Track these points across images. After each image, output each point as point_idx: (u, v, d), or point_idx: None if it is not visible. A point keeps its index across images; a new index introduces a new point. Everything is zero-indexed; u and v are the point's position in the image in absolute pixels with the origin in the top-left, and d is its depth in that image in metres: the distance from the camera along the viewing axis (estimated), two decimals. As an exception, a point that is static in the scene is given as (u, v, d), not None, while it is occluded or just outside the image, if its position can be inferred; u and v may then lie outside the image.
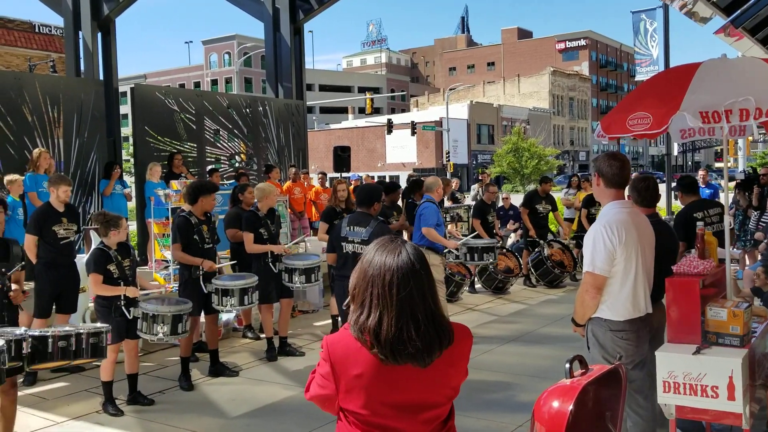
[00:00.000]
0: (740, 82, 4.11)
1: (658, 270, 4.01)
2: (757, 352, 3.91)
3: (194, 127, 12.21)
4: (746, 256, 10.79)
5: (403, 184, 16.87)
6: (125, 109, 21.33)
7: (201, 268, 6.54)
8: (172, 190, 8.53)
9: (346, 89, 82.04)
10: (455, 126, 56.34)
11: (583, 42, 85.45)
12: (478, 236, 9.65)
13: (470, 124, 61.95)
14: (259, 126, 13.63)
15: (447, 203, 12.73)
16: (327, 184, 14.46)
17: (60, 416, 5.74)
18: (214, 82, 77.77)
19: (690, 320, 3.80)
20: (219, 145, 12.77)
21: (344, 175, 16.31)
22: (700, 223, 4.37)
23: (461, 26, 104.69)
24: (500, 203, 13.87)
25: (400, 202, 10.17)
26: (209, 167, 12.14)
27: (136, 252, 10.45)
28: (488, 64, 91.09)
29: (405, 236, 9.57)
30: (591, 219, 11.36)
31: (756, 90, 3.95)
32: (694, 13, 13.53)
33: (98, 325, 5.18)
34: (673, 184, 22.29)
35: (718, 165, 66.70)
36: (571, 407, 2.15)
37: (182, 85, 71.00)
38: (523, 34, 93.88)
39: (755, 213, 10.45)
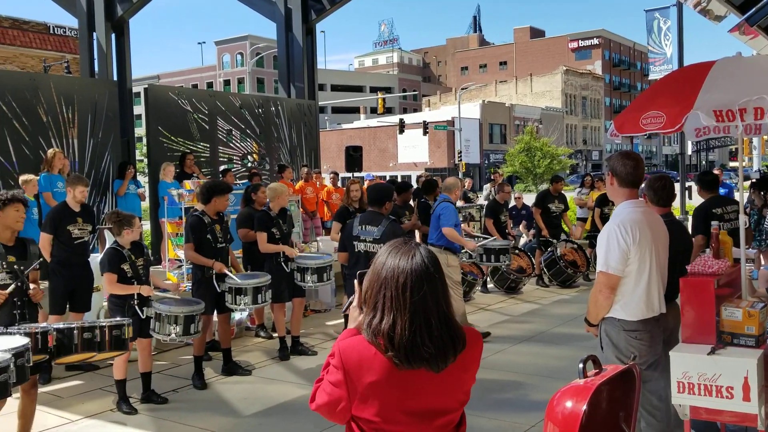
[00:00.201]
0: (755, 80, 4.07)
1: (672, 270, 3.98)
2: (773, 352, 3.88)
3: (207, 127, 12.27)
4: (761, 256, 10.69)
5: (413, 184, 16.84)
6: (139, 109, 21.51)
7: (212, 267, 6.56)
8: (186, 190, 8.57)
9: (358, 89, 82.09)
10: (467, 125, 56.23)
11: (596, 41, 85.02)
12: (505, 236, 9.61)
13: (482, 123, 61.80)
14: (272, 126, 13.67)
15: (459, 203, 12.71)
16: (339, 184, 14.49)
17: (75, 414, 5.78)
18: (227, 83, 78.08)
19: (705, 320, 3.77)
20: (232, 145, 12.82)
21: (358, 174, 16.32)
22: (714, 223, 4.34)
23: (473, 25, 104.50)
24: (512, 203, 13.84)
25: (412, 202, 10.16)
26: (222, 167, 12.19)
27: (150, 251, 10.58)
28: (500, 64, 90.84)
29: (417, 236, 9.58)
30: (604, 218, 11.31)
31: (771, 88, 3.92)
32: (708, 11, 13.44)
33: (119, 319, 5.26)
34: (688, 183, 22.18)
35: (732, 164, 66.18)
36: (584, 407, 2.14)
37: (195, 86, 71.38)
38: (536, 33, 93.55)
39: (770, 212, 10.34)
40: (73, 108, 10.47)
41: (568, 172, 56.32)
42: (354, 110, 77.03)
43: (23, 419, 4.89)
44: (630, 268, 3.72)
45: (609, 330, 3.84)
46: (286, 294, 7.39)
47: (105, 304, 6.45)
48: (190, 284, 7.04)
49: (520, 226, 13.10)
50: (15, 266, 4.88)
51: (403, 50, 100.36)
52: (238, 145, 12.94)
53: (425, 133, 47.70)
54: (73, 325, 4.94)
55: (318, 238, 11.45)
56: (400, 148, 59.02)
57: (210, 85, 77.47)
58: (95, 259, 6.96)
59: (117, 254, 5.75)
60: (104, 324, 5.05)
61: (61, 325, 4.96)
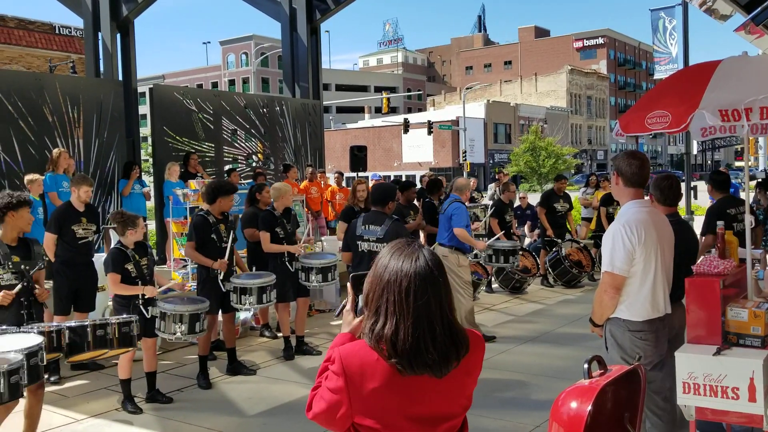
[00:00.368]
0: (761, 79, 4.05)
1: (678, 270, 3.97)
2: (779, 353, 3.86)
3: (212, 127, 12.29)
4: (767, 256, 10.65)
5: (417, 183, 16.83)
6: (144, 109, 21.53)
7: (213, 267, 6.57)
8: (191, 190, 8.59)
9: (363, 89, 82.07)
10: (472, 125, 56.16)
11: (601, 40, 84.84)
12: (510, 236, 9.60)
13: (487, 123, 61.72)
14: (276, 126, 13.68)
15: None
16: (344, 184, 14.49)
17: (80, 414, 5.80)
18: (232, 83, 78.16)
19: (710, 321, 3.76)
20: (236, 145, 12.84)
21: (365, 174, 16.32)
22: (720, 223, 4.32)
23: (478, 25, 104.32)
24: (517, 203, 13.82)
25: (416, 202, 10.15)
26: (227, 167, 12.21)
27: (155, 251, 10.60)
28: (505, 63, 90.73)
29: (421, 237, 9.58)
30: (610, 218, 11.28)
31: (777, 88, 3.90)
32: (713, 10, 13.39)
33: (126, 316, 5.30)
34: (693, 183, 22.05)
35: (738, 164, 65.99)
36: (589, 408, 2.14)
37: (200, 86, 71.45)
38: (541, 32, 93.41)
39: (776, 212, 10.31)
40: (79, 108, 10.50)
41: (573, 171, 56.19)
42: (358, 110, 77.02)
43: (29, 419, 4.91)
44: (635, 269, 3.71)
45: (614, 330, 3.83)
46: (291, 294, 7.40)
47: (110, 303, 6.48)
48: (195, 284, 7.05)
49: (525, 227, 13.09)
50: (21, 267, 4.91)
51: (407, 50, 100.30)
52: (242, 144, 12.96)
53: (430, 132, 47.64)
54: (86, 323, 5.00)
55: (322, 238, 11.46)
56: (405, 148, 58.99)
57: (215, 84, 77.56)
58: (100, 259, 6.98)
59: (121, 254, 5.76)
60: (114, 321, 5.13)
61: (73, 324, 5.01)
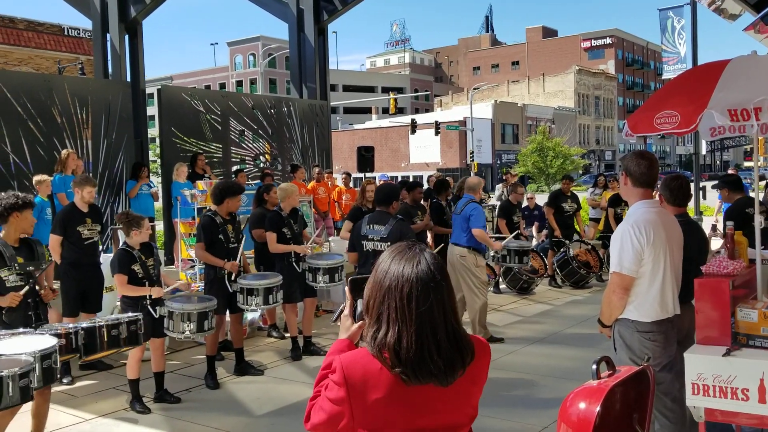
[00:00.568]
0: (771, 79, 4.03)
1: (688, 270, 3.95)
2: (789, 354, 3.83)
3: (220, 127, 12.32)
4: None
5: (424, 183, 16.82)
6: (152, 110, 21.58)
7: (223, 267, 6.58)
8: (198, 191, 8.61)
9: (370, 89, 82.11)
10: (479, 125, 56.09)
11: (609, 40, 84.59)
12: (518, 236, 9.59)
13: (494, 123, 61.64)
14: (284, 126, 13.70)
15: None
16: (351, 185, 14.50)
17: (89, 413, 5.82)
18: (239, 83, 78.36)
19: (719, 321, 3.74)
20: (244, 146, 12.87)
21: (372, 175, 16.32)
22: (729, 223, 4.30)
23: (485, 25, 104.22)
24: (525, 203, 13.78)
25: (423, 203, 10.13)
26: (234, 167, 12.24)
27: (163, 251, 10.63)
28: (513, 63, 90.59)
29: (429, 237, 9.56)
30: (618, 218, 11.25)
31: (787, 87, 3.87)
32: (722, 9, 13.34)
33: (131, 314, 5.34)
34: (702, 183, 21.92)
35: (747, 164, 65.61)
36: (598, 409, 2.13)
37: (208, 87, 71.64)
38: (548, 32, 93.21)
39: (786, 213, 10.25)
40: (87, 109, 10.55)
41: (580, 172, 56.06)
42: (366, 110, 77.05)
43: (37, 419, 4.93)
44: (644, 269, 3.69)
45: (622, 331, 3.82)
46: (298, 294, 7.40)
47: (118, 304, 6.50)
48: (203, 284, 7.07)
49: (533, 228, 13.06)
50: (27, 268, 4.92)
51: (414, 50, 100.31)
52: (250, 145, 12.99)
53: (437, 133, 47.64)
54: (101, 324, 5.06)
55: (330, 239, 11.46)
56: (412, 149, 58.98)
57: (222, 85, 77.78)
58: (109, 259, 7.00)
59: (127, 255, 5.78)
60: (125, 320, 5.21)
61: (88, 324, 5.05)
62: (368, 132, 61.75)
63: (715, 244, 5.58)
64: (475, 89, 61.32)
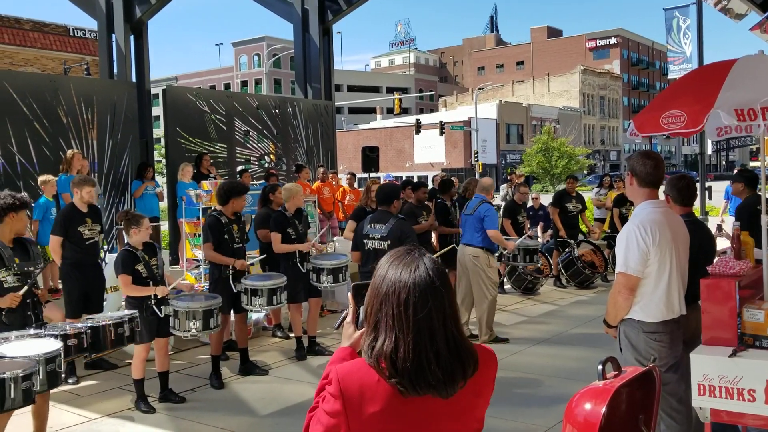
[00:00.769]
0: (778, 79, 4.01)
1: (695, 271, 3.93)
2: (796, 355, 3.81)
3: (224, 128, 12.34)
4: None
5: (429, 183, 16.80)
6: (157, 110, 21.63)
7: (230, 267, 6.59)
8: (203, 191, 8.61)
9: (375, 90, 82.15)
10: (484, 126, 56.06)
11: (614, 40, 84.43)
12: (530, 238, 9.60)
13: (499, 123, 61.61)
14: (289, 127, 13.71)
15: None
16: (356, 185, 14.49)
17: (94, 413, 5.83)
18: (244, 84, 78.47)
19: (726, 322, 3.72)
20: (249, 146, 12.88)
21: (377, 175, 16.32)
22: (736, 223, 4.28)
23: (490, 25, 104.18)
24: (530, 203, 13.76)
25: (428, 203, 10.11)
26: (239, 168, 12.26)
27: (168, 251, 10.65)
28: (517, 64, 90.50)
29: (434, 237, 9.55)
30: (623, 219, 11.22)
31: (794, 87, 3.86)
32: (728, 9, 13.29)
33: (126, 312, 5.41)
34: (708, 184, 21.82)
35: (753, 164, 65.38)
36: (603, 410, 2.12)
37: (213, 87, 71.78)
38: (553, 32, 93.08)
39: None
40: (93, 109, 10.57)
41: (585, 172, 55.94)
42: (370, 111, 77.10)
43: (38, 420, 4.93)
44: (650, 269, 3.68)
45: (628, 331, 3.80)
46: (302, 294, 7.41)
47: (123, 303, 6.51)
48: (208, 284, 7.08)
49: (538, 228, 13.04)
50: (25, 268, 4.90)
51: (419, 50, 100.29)
52: (255, 145, 13.00)
53: (442, 133, 47.62)
54: (108, 323, 5.14)
55: (335, 239, 11.47)
56: (417, 149, 58.99)
57: (227, 86, 77.91)
58: (114, 259, 7.01)
59: (130, 256, 5.78)
60: (127, 318, 5.39)
61: (96, 323, 5.11)
62: (373, 132, 61.77)
63: (721, 244, 5.54)
64: (479, 89, 61.27)
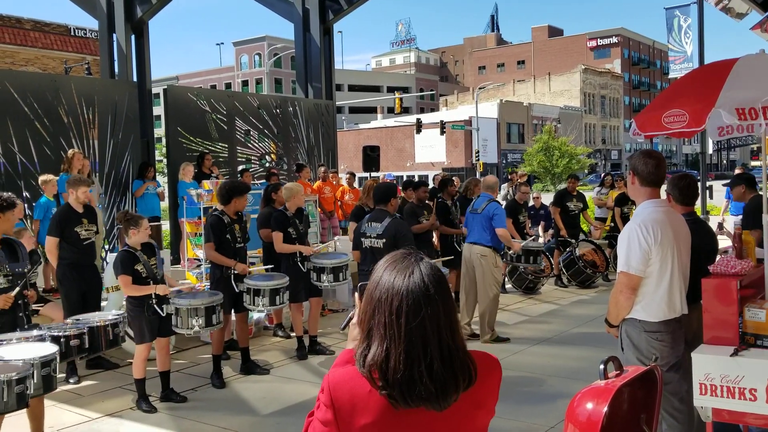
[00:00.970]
0: (779, 78, 4.00)
1: (696, 270, 3.93)
2: (798, 354, 3.81)
3: (225, 127, 12.34)
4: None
5: (429, 183, 16.77)
6: (158, 110, 21.66)
7: (233, 267, 6.59)
8: (204, 190, 8.62)
9: (375, 89, 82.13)
10: (485, 125, 56.02)
11: (615, 39, 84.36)
12: (535, 239, 9.59)
13: (500, 123, 61.55)
14: (289, 126, 13.71)
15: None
16: (355, 185, 14.49)
17: (95, 412, 5.83)
18: (245, 83, 78.46)
19: (727, 321, 3.72)
20: (250, 145, 12.88)
21: (377, 174, 16.32)
22: (737, 223, 4.28)
23: (491, 25, 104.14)
24: (531, 202, 13.75)
25: (429, 202, 10.11)
26: (240, 167, 12.26)
27: (169, 251, 10.65)
28: (518, 63, 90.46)
29: (435, 237, 9.54)
30: (624, 218, 11.21)
31: (795, 86, 3.85)
32: (729, 9, 13.29)
33: (114, 312, 5.46)
34: (709, 183, 21.79)
35: (754, 163, 65.34)
36: (605, 409, 2.12)
37: (213, 86, 71.78)
38: (554, 32, 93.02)
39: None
40: (94, 109, 10.57)
41: (586, 171, 55.94)
42: (371, 110, 77.05)
43: (35, 421, 4.91)
44: (651, 269, 3.67)
45: (630, 331, 3.80)
46: (303, 294, 7.41)
47: (124, 304, 6.51)
48: (209, 284, 7.08)
49: (539, 227, 13.03)
50: (16, 269, 4.88)
51: (420, 50, 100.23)
52: (256, 145, 13.00)
53: (442, 132, 47.58)
54: (106, 324, 5.20)
55: (335, 238, 11.47)
56: (418, 148, 58.95)
57: (228, 85, 77.90)
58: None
59: (129, 256, 5.78)
60: (122, 318, 5.48)
61: (93, 324, 5.11)
62: (373, 131, 61.74)
63: (722, 243, 5.55)
64: (480, 89, 61.25)
